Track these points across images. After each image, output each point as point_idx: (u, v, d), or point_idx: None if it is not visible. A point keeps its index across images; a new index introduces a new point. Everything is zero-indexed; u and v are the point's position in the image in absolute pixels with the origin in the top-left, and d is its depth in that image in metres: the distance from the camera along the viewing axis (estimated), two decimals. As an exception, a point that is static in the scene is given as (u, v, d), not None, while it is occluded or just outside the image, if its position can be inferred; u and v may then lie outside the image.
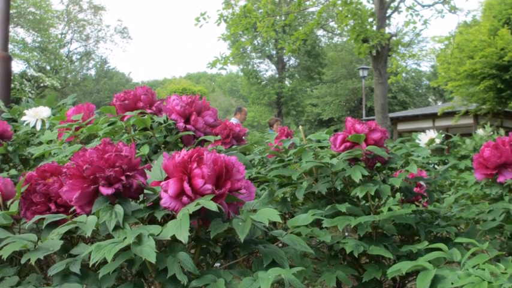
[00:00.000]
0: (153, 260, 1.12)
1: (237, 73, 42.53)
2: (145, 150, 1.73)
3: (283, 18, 13.40)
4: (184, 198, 1.27)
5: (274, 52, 30.36)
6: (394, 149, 2.14)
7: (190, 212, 1.22)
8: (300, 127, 2.64)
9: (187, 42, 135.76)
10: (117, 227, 1.25)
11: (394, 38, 12.28)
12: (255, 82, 29.69)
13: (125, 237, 1.20)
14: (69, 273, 1.24)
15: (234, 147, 2.20)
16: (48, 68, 32.53)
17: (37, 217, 1.41)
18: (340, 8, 11.63)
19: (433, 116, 18.98)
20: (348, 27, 11.87)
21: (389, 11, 12.54)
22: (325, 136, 2.33)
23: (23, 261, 1.23)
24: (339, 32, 28.76)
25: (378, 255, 1.79)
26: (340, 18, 11.68)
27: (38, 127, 2.83)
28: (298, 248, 1.42)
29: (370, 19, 12.05)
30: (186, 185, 1.27)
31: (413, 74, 35.55)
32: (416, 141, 2.97)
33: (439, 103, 33.34)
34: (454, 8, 13.02)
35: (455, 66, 14.90)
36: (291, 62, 31.95)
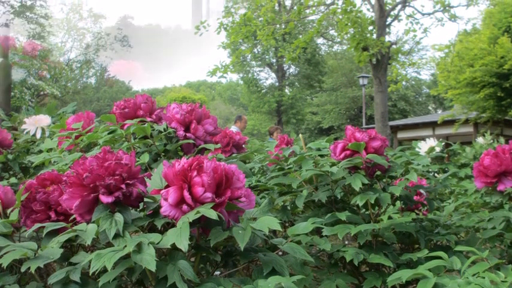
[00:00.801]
0: (153, 268, 1.12)
1: (237, 81, 42.58)
2: (145, 158, 1.73)
3: (283, 26, 13.42)
4: (184, 207, 1.27)
5: (274, 60, 30.34)
6: (394, 157, 2.14)
7: (190, 220, 1.22)
8: (300, 135, 2.64)
9: (188, 51, 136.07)
10: (117, 235, 1.25)
11: (394, 46, 12.30)
12: (255, 90, 29.64)
13: (125, 246, 1.19)
14: (69, 282, 1.23)
15: (234, 155, 2.20)
16: (48, 76, 32.58)
17: (37, 225, 1.41)
18: (340, 17, 11.66)
19: (433, 124, 19.02)
20: (348, 35, 11.89)
21: (389, 19, 12.57)
22: (325, 144, 2.33)
23: (23, 269, 1.23)
24: (339, 40, 28.90)
25: (378, 263, 1.78)
26: (340, 26, 11.71)
27: (38, 135, 2.83)
28: (298, 256, 1.42)
29: (370, 27, 12.08)
30: (186, 193, 1.27)
31: (413, 82, 35.60)
32: (416, 149, 2.97)
33: (439, 111, 33.36)
34: (454, 16, 13.07)
35: (455, 74, 14.93)
36: (291, 70, 31.92)
